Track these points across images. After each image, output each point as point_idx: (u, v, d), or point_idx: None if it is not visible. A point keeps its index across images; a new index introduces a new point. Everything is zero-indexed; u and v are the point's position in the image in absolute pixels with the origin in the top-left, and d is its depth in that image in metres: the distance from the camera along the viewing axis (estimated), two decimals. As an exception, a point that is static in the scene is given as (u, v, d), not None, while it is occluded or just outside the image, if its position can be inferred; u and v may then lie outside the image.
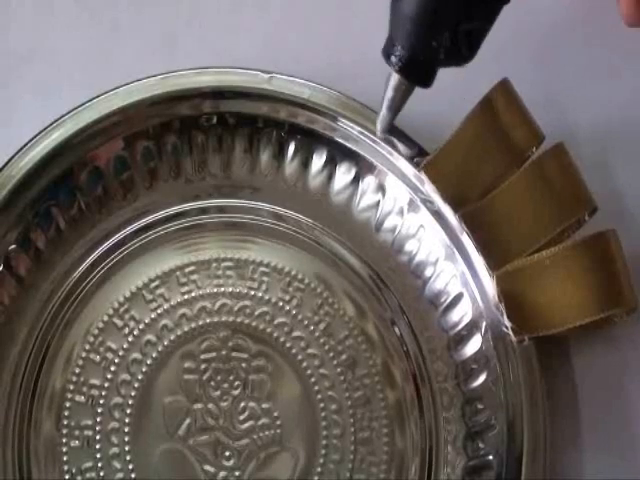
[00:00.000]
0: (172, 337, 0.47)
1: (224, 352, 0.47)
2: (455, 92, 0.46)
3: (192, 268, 0.48)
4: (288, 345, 0.47)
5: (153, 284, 0.48)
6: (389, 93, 0.42)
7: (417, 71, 0.41)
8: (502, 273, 0.45)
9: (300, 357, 0.47)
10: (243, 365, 0.47)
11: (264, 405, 0.46)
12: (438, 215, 0.47)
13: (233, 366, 0.46)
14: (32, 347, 0.47)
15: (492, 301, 0.45)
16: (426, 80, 0.42)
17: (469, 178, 0.46)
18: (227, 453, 0.46)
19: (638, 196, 0.50)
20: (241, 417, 0.46)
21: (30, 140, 0.46)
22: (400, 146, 0.47)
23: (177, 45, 0.51)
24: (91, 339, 0.47)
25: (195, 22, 0.52)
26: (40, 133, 0.46)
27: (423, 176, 0.46)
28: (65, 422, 0.46)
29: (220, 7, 0.52)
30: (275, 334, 0.47)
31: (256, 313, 0.47)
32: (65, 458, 0.45)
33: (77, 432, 0.46)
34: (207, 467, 0.45)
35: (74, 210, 0.48)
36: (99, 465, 0.45)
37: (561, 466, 0.46)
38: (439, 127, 0.47)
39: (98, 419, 0.46)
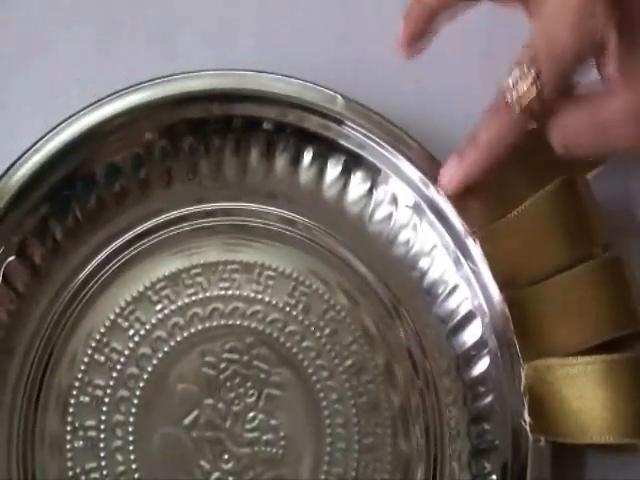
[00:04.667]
0: (185, 334, 0.47)
1: (246, 358, 0.46)
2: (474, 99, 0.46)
3: (198, 270, 0.48)
4: (300, 357, 0.47)
5: (158, 285, 0.48)
6: None
7: None
8: (533, 366, 0.44)
9: (310, 370, 0.47)
10: (262, 376, 0.46)
11: (272, 421, 0.46)
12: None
13: (252, 374, 0.46)
14: (37, 348, 0.46)
15: (503, 323, 0.45)
16: None
17: (523, 259, 0.45)
18: (226, 456, 0.45)
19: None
20: (248, 426, 0.46)
21: (48, 132, 0.46)
22: (467, 216, 0.46)
23: (177, 45, 0.52)
24: (96, 340, 0.46)
25: (195, 22, 0.52)
26: (56, 127, 0.46)
27: (477, 244, 0.46)
28: (69, 423, 0.45)
29: (220, 7, 0.52)
30: (294, 350, 0.47)
31: (268, 319, 0.47)
32: (69, 457, 0.45)
33: (81, 432, 0.45)
34: (203, 463, 0.45)
35: (90, 205, 0.48)
36: (102, 464, 0.45)
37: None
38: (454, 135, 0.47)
39: (103, 417, 0.45)
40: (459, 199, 0.46)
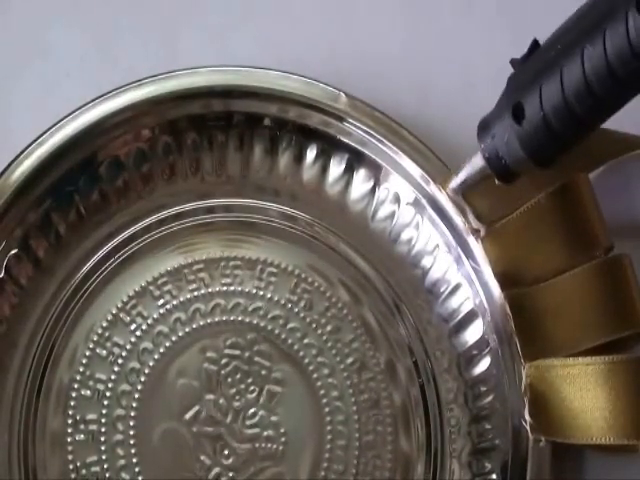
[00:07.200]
0: (187, 329, 0.47)
1: (248, 354, 0.47)
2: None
3: (200, 266, 0.48)
4: (301, 354, 0.47)
5: (161, 280, 0.48)
6: (471, 170, 0.44)
7: (502, 169, 0.42)
8: (534, 366, 0.44)
9: (312, 367, 0.47)
10: (263, 372, 0.46)
11: (273, 418, 0.46)
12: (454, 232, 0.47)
13: (253, 370, 0.46)
14: (39, 341, 0.46)
15: (504, 322, 0.45)
16: (509, 179, 0.43)
17: (525, 259, 0.45)
18: (226, 452, 0.45)
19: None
20: (249, 422, 0.46)
21: (52, 126, 0.46)
22: (470, 215, 0.46)
23: (177, 45, 0.52)
24: (97, 334, 0.47)
25: (195, 21, 0.52)
26: (59, 122, 0.46)
27: (479, 245, 0.46)
28: (71, 416, 0.45)
29: (220, 7, 0.52)
30: (295, 346, 0.47)
31: (269, 316, 0.47)
32: (70, 450, 0.45)
33: (82, 426, 0.45)
34: (204, 458, 0.45)
35: (93, 199, 0.48)
36: (103, 458, 0.45)
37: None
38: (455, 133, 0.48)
39: (104, 411, 0.45)
40: (466, 198, 0.46)
